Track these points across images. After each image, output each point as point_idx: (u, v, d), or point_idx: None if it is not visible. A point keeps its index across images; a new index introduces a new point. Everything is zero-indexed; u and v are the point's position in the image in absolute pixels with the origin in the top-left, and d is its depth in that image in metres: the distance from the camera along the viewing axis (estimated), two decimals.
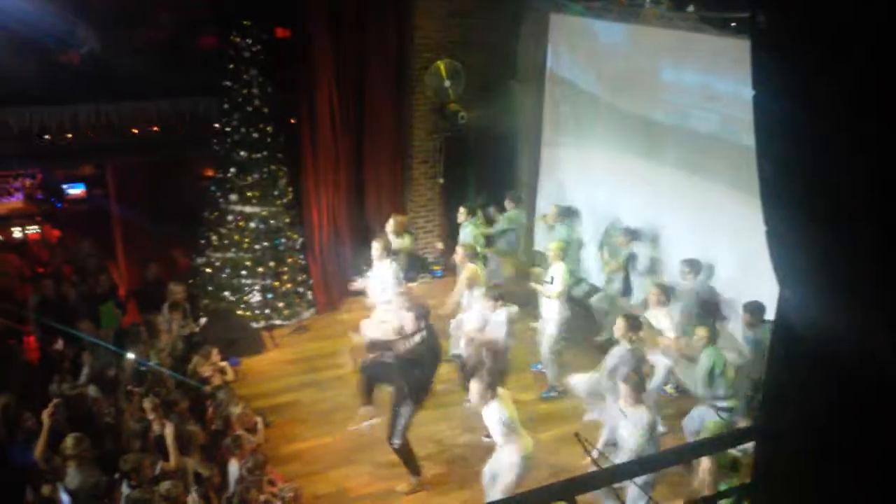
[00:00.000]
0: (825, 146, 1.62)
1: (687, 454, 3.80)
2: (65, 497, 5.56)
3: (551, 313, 8.18)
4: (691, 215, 8.47)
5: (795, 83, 1.64)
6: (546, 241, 9.48)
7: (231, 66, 9.11)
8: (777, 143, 1.75)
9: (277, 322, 9.62)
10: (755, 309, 6.96)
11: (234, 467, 6.37)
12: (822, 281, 1.74)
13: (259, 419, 7.29)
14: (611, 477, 2.93)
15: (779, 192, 1.76)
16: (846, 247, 1.65)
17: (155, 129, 9.78)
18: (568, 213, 9.82)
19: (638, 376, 6.06)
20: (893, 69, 1.42)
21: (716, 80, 7.93)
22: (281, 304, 9.65)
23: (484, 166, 10.90)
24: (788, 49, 1.62)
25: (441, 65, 10.28)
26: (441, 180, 11.00)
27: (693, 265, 8.06)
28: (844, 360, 1.80)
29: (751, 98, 1.67)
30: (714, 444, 3.92)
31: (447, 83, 10.30)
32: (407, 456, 6.87)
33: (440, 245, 11.03)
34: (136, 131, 9.72)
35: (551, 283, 8.17)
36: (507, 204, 9.98)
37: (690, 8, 7.98)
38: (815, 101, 1.59)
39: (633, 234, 8.97)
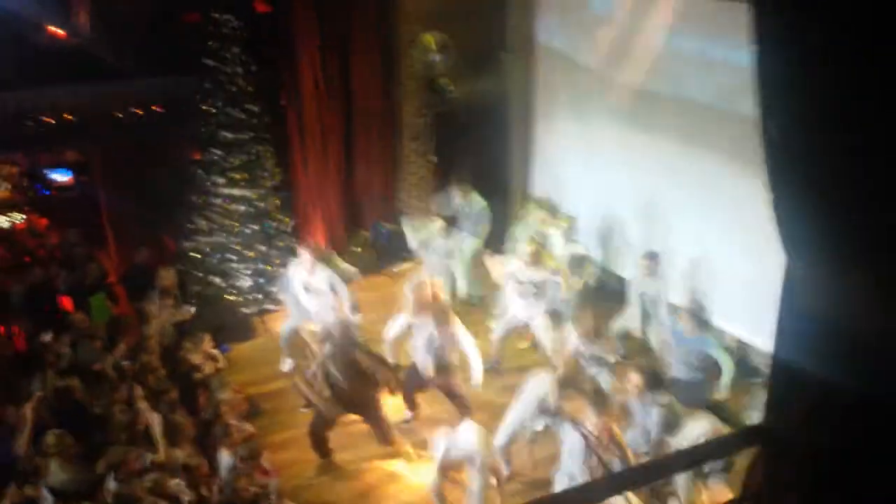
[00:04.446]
0: (830, 99, 1.47)
1: (683, 463, 3.58)
2: (48, 495, 5.40)
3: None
4: (690, 189, 8.25)
5: (796, 35, 1.49)
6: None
7: (212, 44, 8.85)
8: (781, 101, 1.59)
9: (269, 307, 9.44)
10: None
11: (225, 456, 6.23)
12: (835, 251, 1.58)
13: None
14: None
15: (785, 154, 1.60)
16: (860, 213, 1.49)
17: (136, 111, 9.57)
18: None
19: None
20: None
21: (712, 47, 7.69)
22: (273, 289, 9.47)
23: (476, 143, 10.66)
24: (789, 7, 1.50)
25: (429, 37, 10.00)
26: (432, 157, 10.77)
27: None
28: (858, 341, 1.65)
29: (748, 65, 1.53)
30: (717, 448, 3.66)
31: (436, 56, 10.03)
32: None
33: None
34: (118, 114, 9.51)
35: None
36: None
37: None
38: (817, 53, 1.45)
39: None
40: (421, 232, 9.22)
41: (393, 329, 7.89)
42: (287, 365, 8.32)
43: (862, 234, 1.51)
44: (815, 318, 1.72)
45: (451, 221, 9.39)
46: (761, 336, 7.11)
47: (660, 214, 8.66)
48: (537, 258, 7.98)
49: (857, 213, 1.49)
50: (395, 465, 6.89)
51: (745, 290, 7.32)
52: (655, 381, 5.92)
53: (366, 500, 6.63)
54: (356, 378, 6.70)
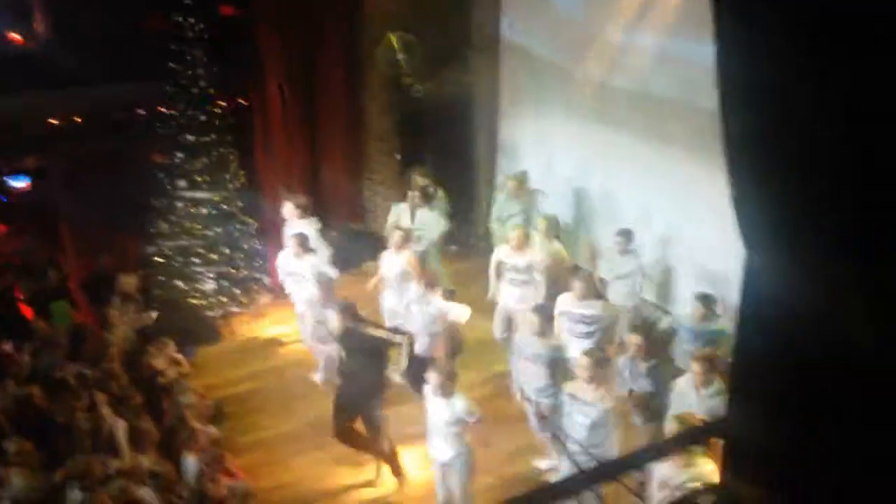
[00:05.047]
0: (788, 96, 1.49)
1: (651, 456, 3.60)
2: None
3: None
4: (653, 183, 8.33)
5: (758, 36, 1.51)
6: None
7: (174, 47, 8.74)
8: (741, 97, 1.61)
9: (234, 309, 9.35)
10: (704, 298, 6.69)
11: (190, 461, 6.15)
12: (792, 241, 1.61)
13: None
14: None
15: (744, 150, 1.62)
16: (816, 209, 1.52)
17: (97, 116, 9.43)
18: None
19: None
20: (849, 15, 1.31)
21: (674, 42, 7.77)
22: (237, 291, 9.38)
23: (442, 141, 10.65)
24: (750, 2, 1.51)
25: (393, 37, 9.98)
26: (398, 157, 10.74)
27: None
28: (813, 338, 1.67)
29: (710, 59, 1.55)
30: (680, 442, 3.69)
31: (400, 56, 10.01)
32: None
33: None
34: (78, 119, 9.36)
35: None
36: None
37: None
38: (776, 48, 1.46)
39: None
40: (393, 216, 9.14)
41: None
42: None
43: (817, 228, 1.53)
44: (774, 310, 1.74)
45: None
46: None
47: (623, 208, 8.73)
48: (523, 242, 7.77)
49: (812, 208, 1.51)
50: (368, 468, 6.84)
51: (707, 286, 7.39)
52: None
53: (333, 500, 6.59)
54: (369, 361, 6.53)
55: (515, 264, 7.73)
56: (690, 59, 7.39)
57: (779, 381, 1.74)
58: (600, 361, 5.79)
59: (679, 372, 6.30)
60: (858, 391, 1.57)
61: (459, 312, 7.20)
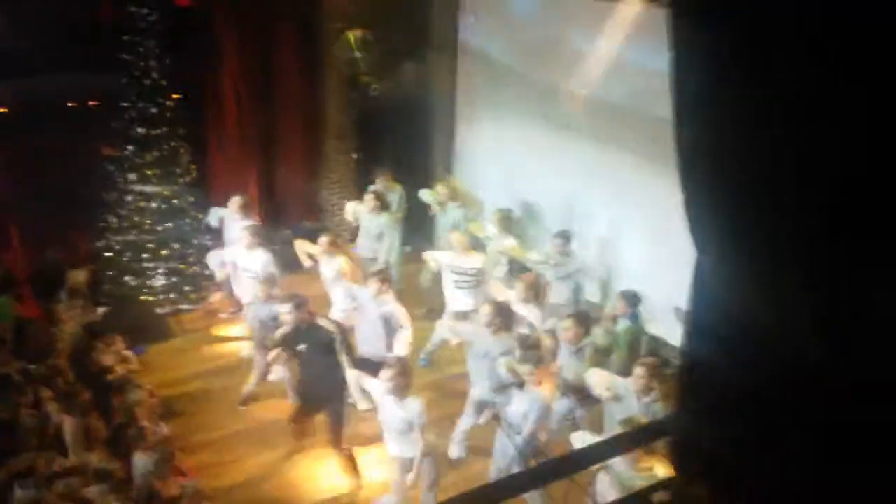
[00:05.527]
0: (740, 106, 1.52)
1: (598, 455, 3.66)
2: None
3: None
4: (605, 189, 8.46)
5: (711, 47, 1.55)
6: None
7: (126, 37, 8.60)
8: (693, 105, 1.65)
9: (185, 307, 9.23)
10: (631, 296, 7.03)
11: (140, 460, 6.06)
12: (741, 248, 1.66)
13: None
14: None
15: (695, 157, 1.66)
16: (768, 216, 1.56)
17: (46, 107, 9.20)
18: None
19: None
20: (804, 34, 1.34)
21: (628, 50, 7.88)
22: (188, 288, 9.26)
23: (399, 141, 10.66)
24: (704, 15, 1.55)
25: (350, 35, 9.95)
26: (355, 156, 10.71)
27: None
28: (762, 338, 1.72)
29: (661, 68, 1.59)
30: (628, 441, 3.75)
31: (357, 54, 9.99)
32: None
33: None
34: (25, 110, 9.13)
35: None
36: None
37: None
38: (729, 65, 1.50)
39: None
40: (355, 211, 9.13)
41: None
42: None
43: (767, 236, 1.57)
44: (722, 312, 1.78)
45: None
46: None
47: (575, 212, 8.86)
48: (466, 245, 7.90)
49: (762, 217, 1.55)
50: (319, 462, 6.81)
51: (653, 289, 7.52)
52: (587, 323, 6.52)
53: (288, 499, 6.56)
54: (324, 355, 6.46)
55: (461, 267, 7.83)
56: (647, 68, 7.51)
57: (727, 384, 1.80)
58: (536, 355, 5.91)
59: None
60: (807, 398, 1.62)
61: (403, 337, 7.06)
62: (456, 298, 7.94)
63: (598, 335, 6.94)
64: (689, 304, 1.97)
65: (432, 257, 8.16)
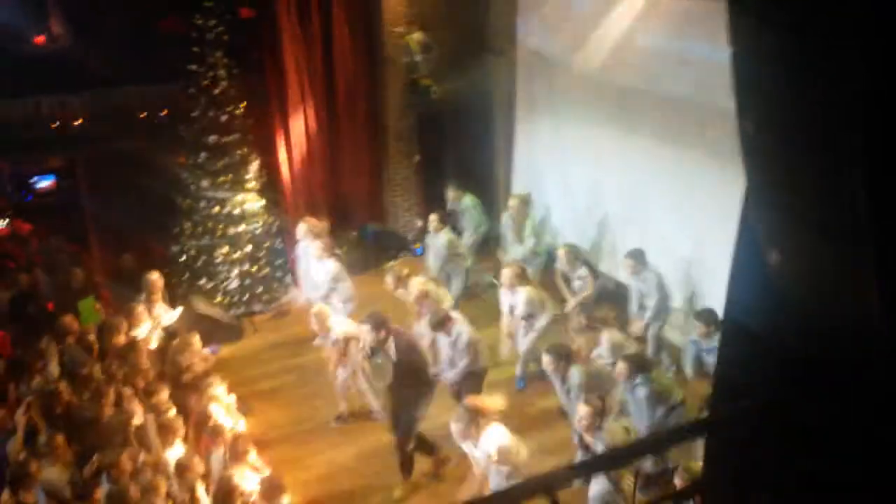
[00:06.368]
0: (804, 101, 1.55)
1: (632, 454, 3.68)
2: (42, 497, 5.43)
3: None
4: (670, 187, 8.30)
5: (771, 39, 1.58)
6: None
7: (195, 49, 8.90)
8: (754, 98, 1.69)
9: (257, 308, 9.50)
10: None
11: (216, 455, 6.28)
12: (810, 239, 1.68)
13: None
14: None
15: (758, 149, 1.69)
16: (827, 205, 1.59)
17: (122, 117, 9.59)
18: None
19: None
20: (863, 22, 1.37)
21: (689, 44, 7.78)
22: (260, 290, 9.52)
23: (459, 143, 10.74)
24: (763, 6, 1.58)
25: (411, 39, 10.10)
26: (417, 158, 10.84)
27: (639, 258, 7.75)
28: (833, 324, 1.73)
29: (725, 60, 1.62)
30: (664, 441, 3.72)
31: (418, 57, 10.13)
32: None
33: (419, 222, 10.87)
34: (102, 120, 9.53)
35: None
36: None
37: None
38: (791, 57, 1.54)
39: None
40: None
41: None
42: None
43: (828, 223, 1.58)
44: (791, 305, 1.78)
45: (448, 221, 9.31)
46: None
47: (640, 212, 8.71)
48: (516, 281, 7.75)
49: (824, 204, 1.57)
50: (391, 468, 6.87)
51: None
52: (640, 365, 6.31)
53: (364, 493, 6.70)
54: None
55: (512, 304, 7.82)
56: (709, 62, 7.37)
57: (763, 384, 1.80)
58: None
59: None
60: (865, 388, 1.62)
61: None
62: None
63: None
64: (725, 306, 1.95)
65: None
